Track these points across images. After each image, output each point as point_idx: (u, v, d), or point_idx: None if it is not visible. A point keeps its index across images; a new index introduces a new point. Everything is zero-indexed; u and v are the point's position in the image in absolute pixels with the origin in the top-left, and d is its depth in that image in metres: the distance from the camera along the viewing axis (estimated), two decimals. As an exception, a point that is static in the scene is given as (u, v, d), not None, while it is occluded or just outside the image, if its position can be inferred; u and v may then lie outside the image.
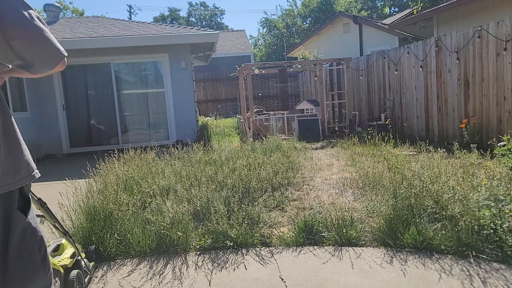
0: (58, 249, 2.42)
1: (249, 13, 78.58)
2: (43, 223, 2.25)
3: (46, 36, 1.23)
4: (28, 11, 1.22)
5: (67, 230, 2.37)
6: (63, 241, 2.47)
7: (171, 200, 3.71)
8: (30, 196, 1.41)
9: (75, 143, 9.56)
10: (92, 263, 2.85)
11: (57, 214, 2.32)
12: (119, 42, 8.98)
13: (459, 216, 2.92)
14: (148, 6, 77.12)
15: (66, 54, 1.31)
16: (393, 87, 9.08)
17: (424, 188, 3.31)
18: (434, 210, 3.15)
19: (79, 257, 2.51)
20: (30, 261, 1.31)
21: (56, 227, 2.22)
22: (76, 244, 2.50)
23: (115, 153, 5.13)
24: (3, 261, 1.25)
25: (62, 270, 2.22)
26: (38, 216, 2.11)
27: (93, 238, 3.20)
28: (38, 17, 1.25)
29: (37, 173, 1.36)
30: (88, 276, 2.67)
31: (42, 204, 1.93)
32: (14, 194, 1.28)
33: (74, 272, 2.32)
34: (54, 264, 2.12)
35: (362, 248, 3.06)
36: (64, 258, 2.34)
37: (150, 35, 9.14)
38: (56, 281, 2.10)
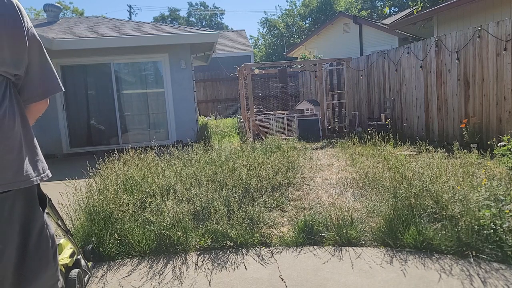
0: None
1: (249, 13, 78.62)
2: None
3: (54, 70, 1.46)
4: (44, 48, 1.43)
5: (68, 228, 2.40)
6: (62, 241, 2.49)
7: (171, 200, 3.71)
8: (46, 194, 1.48)
9: (75, 143, 9.55)
10: (90, 263, 2.86)
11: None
12: (119, 42, 8.98)
13: (459, 216, 2.92)
14: (148, 6, 77.16)
15: (63, 89, 1.49)
16: (393, 87, 9.08)
17: (424, 188, 3.31)
18: (434, 210, 3.15)
19: (79, 257, 2.52)
20: (43, 257, 1.35)
21: (58, 225, 2.25)
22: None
23: (115, 153, 5.13)
24: (22, 256, 1.28)
25: (63, 269, 2.24)
26: None
27: (93, 238, 3.21)
28: None
29: (49, 172, 1.44)
30: (88, 275, 2.68)
31: (47, 200, 1.97)
32: (35, 190, 1.36)
33: (75, 272, 2.34)
34: None
35: (362, 248, 3.06)
36: (64, 258, 2.36)
37: (150, 35, 9.13)
38: (59, 280, 2.11)
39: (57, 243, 2.43)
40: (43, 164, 1.41)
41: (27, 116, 1.43)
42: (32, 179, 1.32)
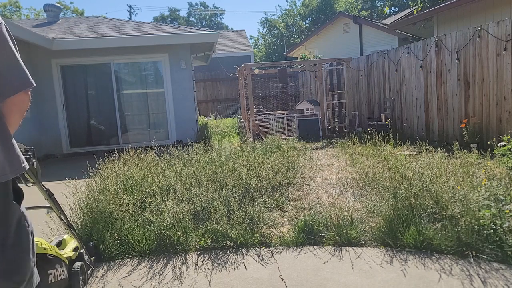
0: (60, 244, 2.54)
1: (249, 13, 78.56)
2: (50, 214, 2.38)
3: (21, 63, 1.42)
4: (14, 43, 1.42)
5: (71, 223, 2.47)
6: (65, 236, 2.60)
7: (171, 200, 3.71)
8: (21, 189, 1.51)
9: (75, 143, 9.55)
10: (92, 257, 2.93)
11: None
12: (119, 42, 8.98)
13: (459, 216, 2.92)
14: (148, 6, 77.09)
15: (34, 84, 1.44)
16: (393, 87, 9.08)
17: (424, 188, 3.31)
18: (434, 210, 3.15)
19: (82, 251, 2.63)
20: (23, 249, 1.40)
21: (61, 219, 2.33)
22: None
23: (115, 153, 5.12)
24: (1, 248, 1.32)
25: (67, 262, 2.34)
26: (46, 207, 2.26)
27: (93, 238, 3.22)
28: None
29: (26, 165, 1.48)
30: (91, 269, 2.78)
31: (49, 194, 2.05)
32: (9, 185, 1.39)
33: (78, 264, 2.43)
34: (61, 256, 2.25)
35: (362, 248, 3.06)
36: (68, 251, 2.47)
37: (150, 35, 9.13)
38: (63, 271, 2.23)
39: (61, 239, 2.55)
40: (19, 158, 1.44)
41: (8, 111, 1.42)
42: (8, 174, 1.35)
